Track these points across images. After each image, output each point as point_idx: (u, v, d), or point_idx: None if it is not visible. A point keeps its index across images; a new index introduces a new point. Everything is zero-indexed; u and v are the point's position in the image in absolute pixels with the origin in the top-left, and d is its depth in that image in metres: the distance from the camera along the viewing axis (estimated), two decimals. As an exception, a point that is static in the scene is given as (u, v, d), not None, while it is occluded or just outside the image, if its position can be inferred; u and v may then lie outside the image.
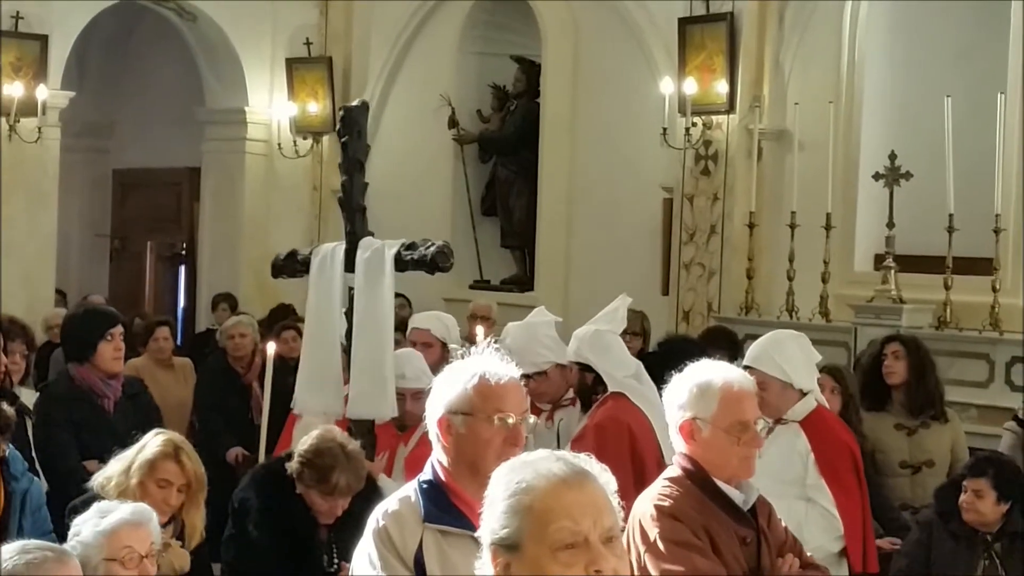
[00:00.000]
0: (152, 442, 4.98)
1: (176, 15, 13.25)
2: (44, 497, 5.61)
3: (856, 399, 6.81)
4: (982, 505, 5.86)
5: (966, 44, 9.50)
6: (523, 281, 12.00)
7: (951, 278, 8.75)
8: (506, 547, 2.48)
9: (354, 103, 6.22)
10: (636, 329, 8.48)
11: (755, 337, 7.41)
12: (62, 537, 4.48)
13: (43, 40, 11.94)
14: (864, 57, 9.87)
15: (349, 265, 5.88)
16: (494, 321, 9.30)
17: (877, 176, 9.24)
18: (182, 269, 15.80)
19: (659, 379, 4.51)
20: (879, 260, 9.34)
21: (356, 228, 5.98)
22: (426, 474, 3.41)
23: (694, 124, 10.36)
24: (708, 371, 4.04)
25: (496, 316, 9.56)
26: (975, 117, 8.83)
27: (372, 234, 6.01)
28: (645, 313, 9.12)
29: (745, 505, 4.01)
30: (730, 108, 10.31)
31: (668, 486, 4.01)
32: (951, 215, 8.60)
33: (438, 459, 3.40)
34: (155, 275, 16.11)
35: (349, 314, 5.88)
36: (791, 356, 5.68)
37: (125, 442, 5.14)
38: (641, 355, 7.00)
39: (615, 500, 2.53)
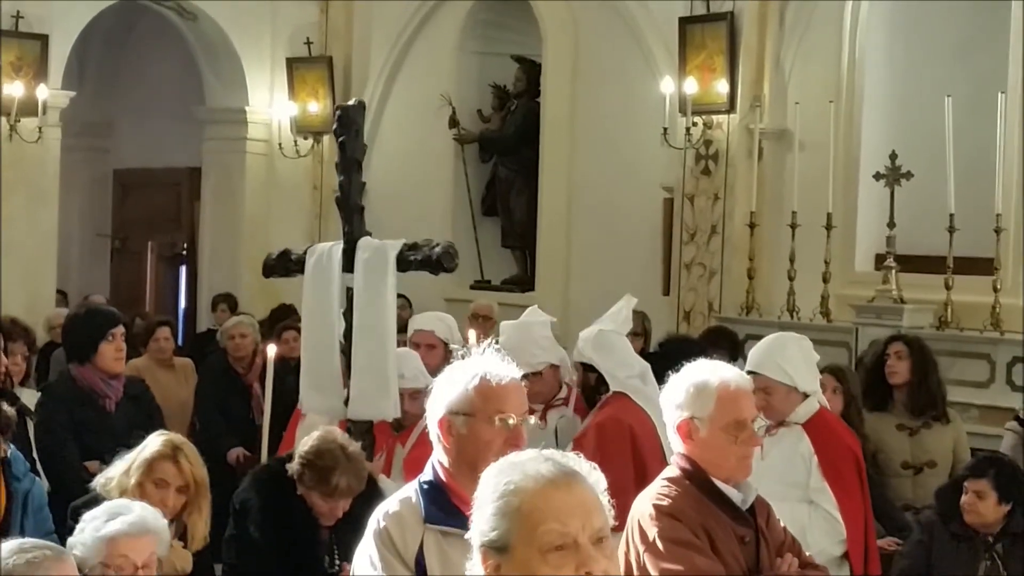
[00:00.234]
0: (152, 443, 4.98)
1: (176, 14, 13.25)
2: (46, 497, 5.61)
3: (858, 399, 6.82)
4: (983, 506, 5.86)
5: (966, 43, 9.50)
6: (524, 281, 12.00)
7: (952, 278, 8.75)
8: (496, 549, 2.47)
9: (350, 102, 6.21)
10: (637, 329, 8.47)
11: (756, 337, 7.43)
12: (63, 537, 4.48)
13: (43, 40, 11.94)
14: (864, 57, 9.86)
15: (347, 265, 5.87)
16: (495, 321, 9.29)
17: (878, 176, 9.24)
18: (183, 269, 15.80)
19: (660, 379, 4.50)
20: (880, 260, 9.34)
21: (354, 228, 5.97)
22: (426, 475, 3.41)
23: (695, 124, 10.36)
24: (705, 371, 4.05)
25: (497, 316, 9.56)
26: (976, 116, 8.83)
27: (370, 234, 6.00)
28: (646, 313, 9.11)
29: (744, 504, 4.02)
30: (730, 108, 10.31)
31: (667, 486, 4.01)
32: (952, 215, 8.60)
33: (439, 460, 3.40)
34: (156, 275, 16.11)
35: (347, 315, 5.87)
36: (794, 359, 5.68)
37: (127, 442, 5.14)
38: (642, 355, 6.99)
39: (605, 499, 2.52)
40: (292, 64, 13.36)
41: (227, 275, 13.16)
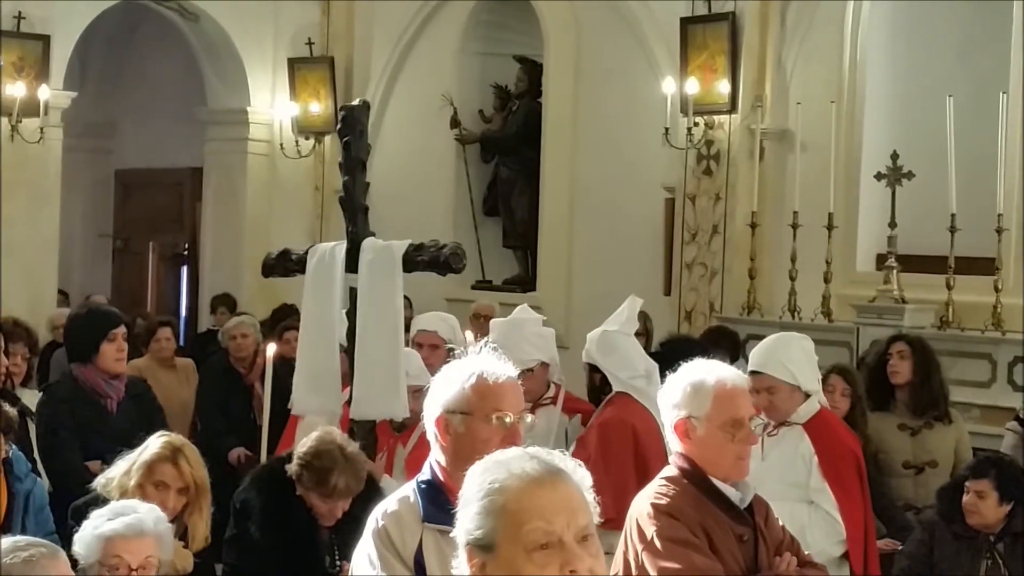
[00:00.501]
0: (152, 445, 4.98)
1: (178, 15, 13.26)
2: (47, 497, 5.62)
3: (863, 401, 6.82)
4: (984, 506, 5.87)
5: (968, 43, 9.51)
6: (525, 281, 12.01)
7: (953, 278, 8.75)
8: (481, 547, 2.47)
9: (355, 102, 6.19)
10: (639, 329, 8.47)
11: (757, 337, 7.44)
12: (64, 537, 4.49)
13: (45, 40, 11.95)
14: (866, 57, 9.87)
15: (351, 265, 5.86)
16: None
17: (879, 176, 9.24)
18: (184, 269, 15.80)
19: (662, 379, 4.52)
20: (881, 260, 9.34)
21: (358, 228, 5.95)
22: (424, 474, 3.41)
23: (696, 124, 10.36)
24: (701, 370, 4.06)
25: (498, 316, 9.55)
26: (977, 116, 8.84)
27: (374, 234, 5.99)
28: (647, 313, 9.11)
29: (742, 503, 4.03)
30: (732, 108, 10.31)
31: (665, 485, 4.02)
32: (953, 215, 8.60)
33: (436, 459, 3.40)
34: (157, 275, 16.11)
35: (349, 315, 5.86)
36: (797, 358, 5.69)
37: (128, 442, 5.14)
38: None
39: (590, 496, 2.52)
40: (294, 64, 13.36)
41: (229, 275, 13.16)
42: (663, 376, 4.28)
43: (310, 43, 13.39)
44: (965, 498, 5.91)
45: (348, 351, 5.86)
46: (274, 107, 13.48)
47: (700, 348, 6.63)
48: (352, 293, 5.82)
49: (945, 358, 7.66)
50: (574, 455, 5.63)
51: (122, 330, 6.78)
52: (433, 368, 6.02)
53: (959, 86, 9.01)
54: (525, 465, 2.49)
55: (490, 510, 2.46)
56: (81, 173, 15.21)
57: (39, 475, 5.91)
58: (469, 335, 6.71)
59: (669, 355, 5.99)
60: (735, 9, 10.29)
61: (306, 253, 6.04)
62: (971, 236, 8.68)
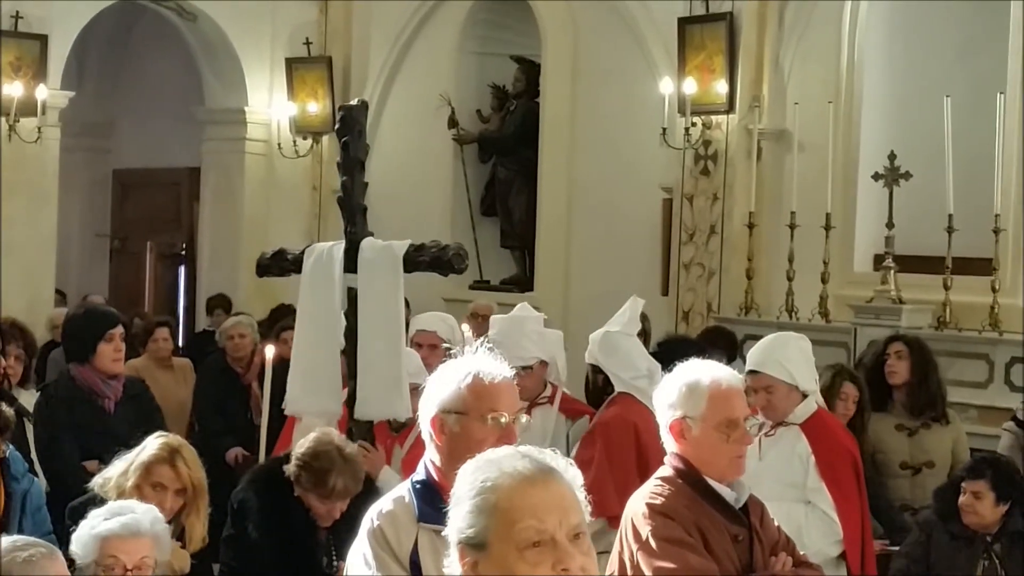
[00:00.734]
0: (151, 445, 4.98)
1: (176, 15, 13.25)
2: (44, 498, 5.62)
3: (867, 405, 6.83)
4: (981, 507, 5.87)
5: (966, 44, 9.51)
6: (523, 281, 12.01)
7: (950, 278, 8.76)
8: (473, 546, 2.47)
9: (353, 102, 6.19)
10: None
11: (754, 337, 7.44)
12: (61, 537, 4.48)
13: (43, 40, 11.94)
14: (864, 57, 9.87)
15: (349, 265, 5.86)
16: (494, 322, 9.29)
17: (877, 176, 9.24)
18: (182, 269, 15.80)
19: (663, 379, 4.52)
20: (879, 260, 9.35)
21: (357, 228, 5.95)
22: (419, 474, 3.41)
23: (693, 124, 10.36)
24: (696, 370, 4.06)
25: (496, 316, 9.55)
26: (975, 117, 8.84)
27: (372, 234, 5.99)
28: (645, 313, 9.09)
29: (737, 503, 4.03)
30: (729, 108, 10.31)
31: (660, 485, 4.03)
32: (951, 215, 8.60)
33: (431, 459, 3.40)
34: (155, 275, 16.10)
35: (347, 315, 5.86)
36: (795, 358, 5.70)
37: (126, 443, 5.14)
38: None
39: (582, 495, 2.52)
40: (291, 64, 13.36)
41: (226, 275, 13.16)
42: (663, 376, 4.29)
43: (308, 43, 13.39)
44: (961, 498, 5.91)
45: (346, 352, 5.85)
46: (272, 107, 13.48)
47: (697, 348, 6.63)
48: (350, 293, 5.82)
49: (942, 358, 7.66)
50: (578, 454, 5.66)
51: (119, 330, 6.77)
52: (432, 368, 6.03)
53: (957, 87, 9.01)
54: (517, 464, 2.49)
55: (482, 508, 2.46)
56: (79, 173, 15.20)
57: (36, 475, 5.90)
58: (466, 327, 6.71)
59: (666, 355, 5.99)
60: (733, 9, 10.29)
61: (302, 253, 6.03)
62: (968, 237, 8.69)
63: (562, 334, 6.80)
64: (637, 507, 3.99)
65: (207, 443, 7.73)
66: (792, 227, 9.58)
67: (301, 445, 5.17)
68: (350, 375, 5.79)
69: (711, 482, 3.99)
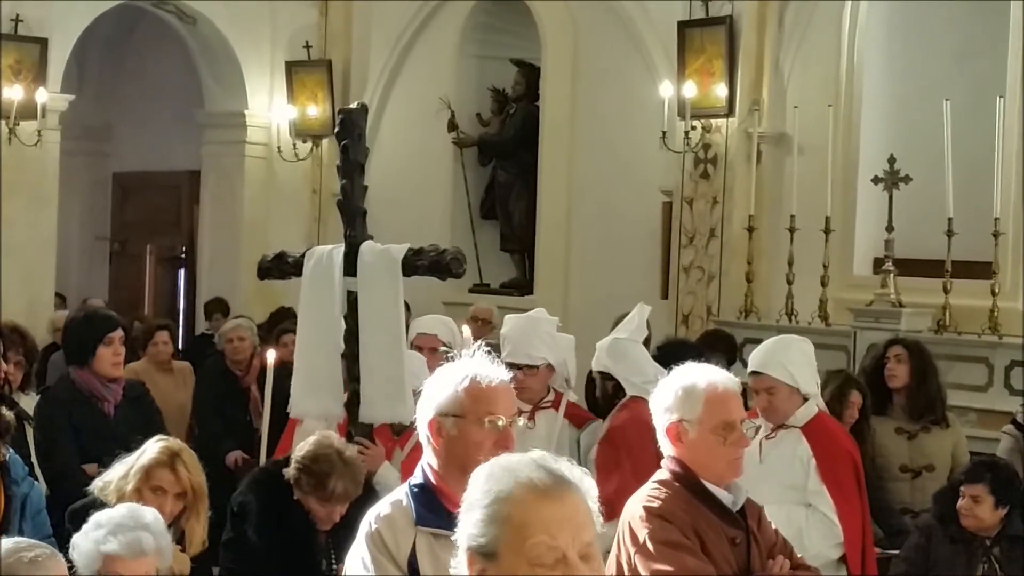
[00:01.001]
0: (151, 448, 4.97)
1: (176, 18, 13.27)
2: (44, 501, 5.61)
3: (868, 409, 6.84)
4: (980, 510, 5.88)
5: (965, 47, 9.51)
6: (522, 285, 12.01)
7: (950, 282, 8.76)
8: (483, 555, 2.46)
9: (353, 106, 6.19)
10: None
11: (754, 341, 7.44)
12: (60, 540, 4.48)
13: (43, 43, 11.95)
14: (863, 60, 9.88)
15: (349, 269, 5.86)
16: (493, 326, 9.30)
17: (876, 179, 9.24)
18: (182, 272, 15.80)
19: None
20: (878, 264, 9.35)
21: (356, 232, 5.95)
22: (416, 477, 3.41)
23: (693, 127, 10.36)
24: (692, 373, 4.07)
25: (496, 320, 9.56)
26: (974, 120, 8.84)
27: (371, 238, 5.99)
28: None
29: (734, 506, 4.04)
30: (729, 111, 10.32)
31: (657, 488, 4.04)
32: (950, 219, 8.60)
33: (428, 462, 3.40)
34: (155, 278, 16.11)
35: (347, 319, 5.86)
36: (797, 360, 5.71)
37: (126, 446, 5.13)
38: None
39: (595, 507, 2.50)
40: (291, 67, 13.37)
41: (226, 278, 13.16)
42: (662, 380, 4.29)
43: (307, 46, 13.40)
44: (961, 502, 5.92)
45: (345, 355, 5.86)
46: (271, 110, 13.49)
47: (697, 352, 6.63)
48: (350, 297, 5.82)
49: (942, 362, 7.67)
50: (598, 457, 5.67)
51: (119, 334, 6.76)
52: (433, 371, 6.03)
53: (956, 90, 9.02)
54: (532, 474, 2.47)
55: (494, 519, 2.44)
56: (79, 176, 15.21)
57: (36, 479, 5.90)
58: (467, 329, 6.71)
59: (666, 359, 6.00)
60: (732, 12, 10.30)
61: (303, 256, 6.04)
62: (968, 240, 8.69)
63: (574, 339, 6.77)
64: (634, 510, 3.99)
65: (207, 446, 7.74)
66: (792, 230, 9.59)
67: (301, 448, 5.17)
68: (350, 378, 5.79)
69: (708, 485, 4.00)
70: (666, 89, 10.37)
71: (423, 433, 3.40)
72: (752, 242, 10.05)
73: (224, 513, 5.35)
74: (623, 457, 5.66)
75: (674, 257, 10.63)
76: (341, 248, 5.89)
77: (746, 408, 4.59)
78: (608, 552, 3.96)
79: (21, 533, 5.07)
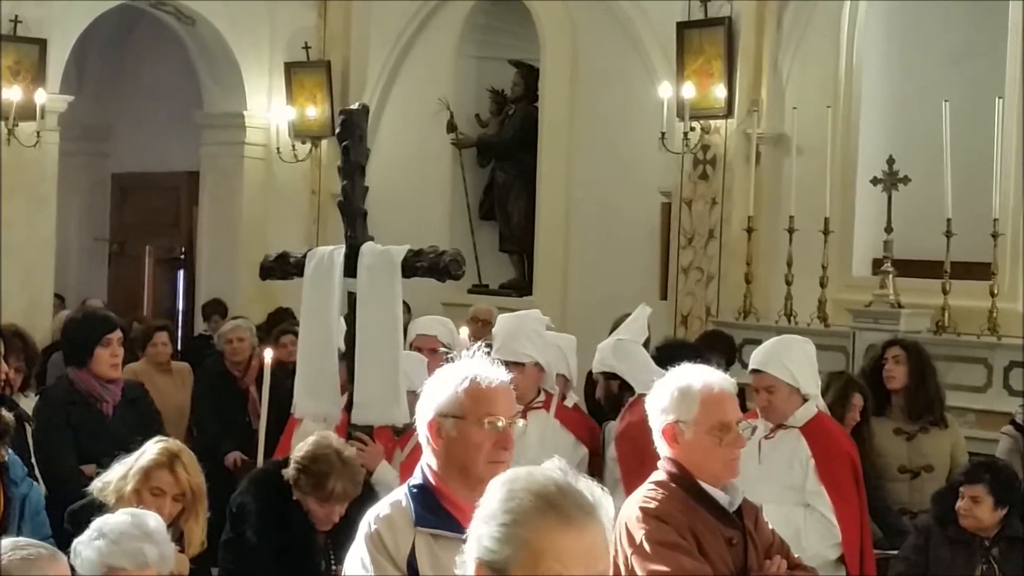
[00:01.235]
0: (150, 450, 4.97)
1: (175, 19, 13.27)
2: (43, 501, 5.61)
3: (868, 411, 6.84)
4: (979, 511, 5.88)
5: (964, 48, 9.51)
6: (521, 285, 12.01)
7: (949, 283, 8.75)
8: (493, 568, 2.41)
9: (354, 107, 6.19)
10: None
11: (753, 342, 7.44)
12: (60, 541, 4.47)
13: (42, 44, 11.95)
14: (862, 61, 9.87)
15: (349, 270, 5.87)
16: (493, 326, 9.29)
17: (875, 180, 9.25)
18: (181, 273, 15.81)
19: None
20: (877, 265, 9.35)
21: (357, 233, 5.96)
22: (416, 478, 3.41)
23: (692, 128, 10.36)
24: (688, 374, 4.08)
25: (495, 320, 9.55)
26: (973, 121, 8.84)
27: (372, 238, 6.00)
28: (645, 318, 9.11)
29: (731, 507, 4.05)
30: (728, 112, 10.32)
31: (653, 489, 4.04)
32: (949, 219, 8.60)
33: (428, 463, 3.40)
34: (154, 279, 16.11)
35: (347, 319, 5.87)
36: (798, 360, 5.72)
37: (125, 447, 5.13)
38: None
39: (612, 533, 2.45)
40: (290, 68, 13.37)
41: (225, 279, 13.16)
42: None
43: (306, 47, 13.40)
44: (960, 503, 5.92)
45: (346, 356, 5.86)
46: (270, 111, 13.48)
47: (695, 352, 6.64)
48: (351, 298, 5.83)
49: (941, 363, 7.68)
50: (619, 452, 5.64)
51: (118, 335, 6.76)
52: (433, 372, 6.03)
53: (955, 91, 9.01)
54: (554, 496, 2.39)
55: (511, 540, 2.38)
56: (78, 177, 15.22)
57: (36, 480, 5.90)
58: (464, 330, 6.72)
59: (665, 359, 6.01)
60: (731, 13, 10.30)
61: (304, 256, 6.05)
62: (967, 241, 8.69)
63: (574, 339, 6.75)
64: (631, 511, 4.00)
65: (205, 447, 7.74)
66: (791, 231, 9.59)
67: (300, 449, 5.18)
68: (349, 380, 5.79)
69: (704, 486, 4.01)
70: (665, 90, 10.37)
71: (423, 434, 3.40)
72: (751, 243, 10.05)
73: (223, 514, 5.35)
74: (645, 452, 5.66)
75: (673, 258, 10.62)
76: (342, 249, 5.90)
77: (745, 409, 4.60)
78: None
79: (20, 534, 5.07)
